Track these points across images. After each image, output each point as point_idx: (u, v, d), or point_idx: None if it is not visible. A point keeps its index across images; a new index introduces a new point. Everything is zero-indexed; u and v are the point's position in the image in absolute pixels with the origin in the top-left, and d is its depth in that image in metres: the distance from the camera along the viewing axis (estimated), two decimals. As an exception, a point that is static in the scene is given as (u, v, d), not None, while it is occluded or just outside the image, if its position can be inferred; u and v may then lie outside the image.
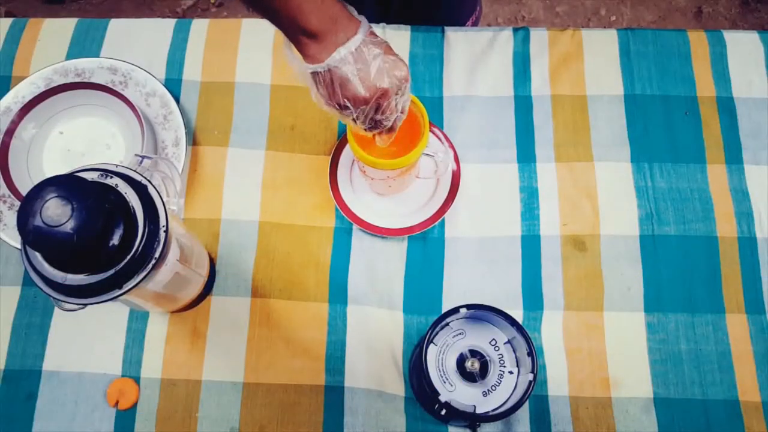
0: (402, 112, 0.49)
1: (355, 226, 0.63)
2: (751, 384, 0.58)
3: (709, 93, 0.68)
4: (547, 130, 0.67)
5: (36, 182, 0.37)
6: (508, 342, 0.54)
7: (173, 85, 0.69)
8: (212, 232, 0.63)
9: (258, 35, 0.71)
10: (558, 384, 0.58)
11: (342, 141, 0.65)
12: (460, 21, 0.82)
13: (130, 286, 0.41)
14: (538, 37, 0.71)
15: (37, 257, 0.40)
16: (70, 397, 0.58)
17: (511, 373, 0.53)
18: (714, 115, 0.67)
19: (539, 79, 0.69)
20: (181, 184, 0.64)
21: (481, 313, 0.52)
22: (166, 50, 0.70)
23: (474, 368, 0.52)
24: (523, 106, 0.68)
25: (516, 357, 0.53)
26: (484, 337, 0.54)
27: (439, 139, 0.65)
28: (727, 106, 0.67)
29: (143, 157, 0.49)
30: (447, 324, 0.54)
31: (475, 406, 0.51)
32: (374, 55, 0.44)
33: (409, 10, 0.78)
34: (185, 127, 0.64)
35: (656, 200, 0.64)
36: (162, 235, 0.42)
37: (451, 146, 0.65)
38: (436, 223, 0.62)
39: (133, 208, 0.41)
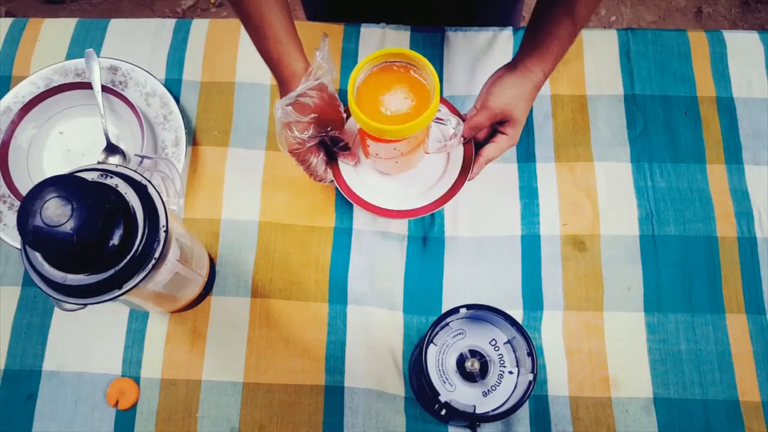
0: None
1: (355, 226, 0.63)
2: (751, 384, 0.58)
3: (709, 93, 0.68)
4: (547, 130, 0.67)
5: (36, 182, 0.37)
6: (508, 342, 0.54)
7: (173, 85, 0.69)
8: (212, 232, 0.63)
9: (258, 35, 0.71)
10: (558, 384, 0.58)
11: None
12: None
13: (130, 286, 0.41)
14: (538, 37, 0.71)
15: (37, 257, 0.40)
16: (70, 397, 0.58)
17: (511, 373, 0.53)
18: (714, 115, 0.67)
19: (539, 79, 0.69)
20: (181, 184, 0.64)
21: (481, 313, 0.52)
22: (166, 50, 0.70)
23: (474, 368, 0.52)
24: (523, 106, 0.68)
25: (516, 357, 0.53)
26: (484, 337, 0.54)
27: (450, 110, 0.61)
28: (727, 106, 0.67)
29: (143, 157, 0.49)
30: (447, 324, 0.54)
31: (475, 406, 0.51)
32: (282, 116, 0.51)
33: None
34: (185, 127, 0.64)
35: (656, 200, 0.64)
36: (162, 235, 0.42)
37: (462, 118, 0.59)
38: (446, 204, 0.58)
39: (133, 208, 0.41)
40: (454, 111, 0.61)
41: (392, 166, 0.58)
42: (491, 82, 0.57)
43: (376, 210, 0.58)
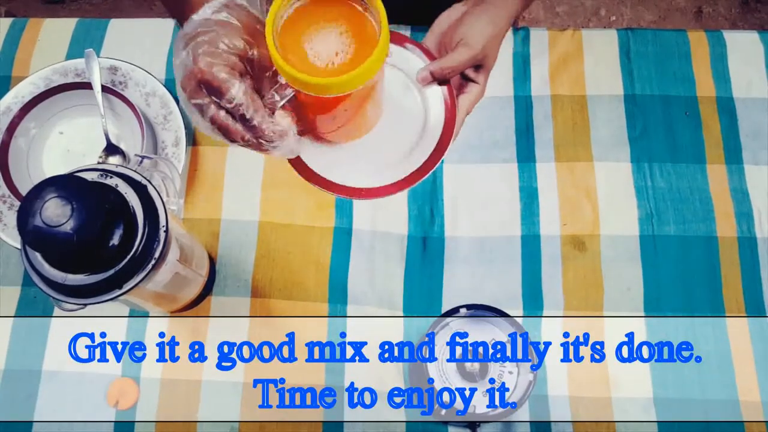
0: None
1: (355, 226, 0.63)
2: (751, 384, 0.58)
3: (709, 93, 0.68)
4: (546, 130, 0.67)
5: (36, 182, 0.37)
6: (508, 342, 0.54)
7: (173, 85, 0.68)
8: (212, 232, 0.63)
9: (258, 35, 0.71)
10: (558, 384, 0.58)
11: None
12: None
13: (130, 286, 0.41)
14: (538, 37, 0.71)
15: (37, 257, 0.40)
16: (70, 397, 0.58)
17: (511, 373, 0.53)
18: (714, 116, 0.67)
19: (539, 79, 0.69)
20: (181, 184, 0.64)
21: (481, 313, 0.52)
22: (166, 50, 0.70)
23: (474, 368, 0.52)
24: (523, 106, 0.68)
25: (516, 357, 0.53)
26: (484, 337, 0.54)
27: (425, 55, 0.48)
28: (726, 107, 0.67)
29: (143, 157, 0.49)
30: (447, 324, 0.54)
31: (475, 406, 0.51)
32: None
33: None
34: (185, 128, 0.64)
35: (656, 200, 0.64)
36: (162, 235, 0.42)
37: (431, 57, 0.47)
38: (424, 178, 0.44)
39: (133, 208, 0.41)
40: (429, 55, 0.48)
41: (336, 130, 0.43)
42: (458, 18, 0.48)
43: (330, 187, 0.44)
